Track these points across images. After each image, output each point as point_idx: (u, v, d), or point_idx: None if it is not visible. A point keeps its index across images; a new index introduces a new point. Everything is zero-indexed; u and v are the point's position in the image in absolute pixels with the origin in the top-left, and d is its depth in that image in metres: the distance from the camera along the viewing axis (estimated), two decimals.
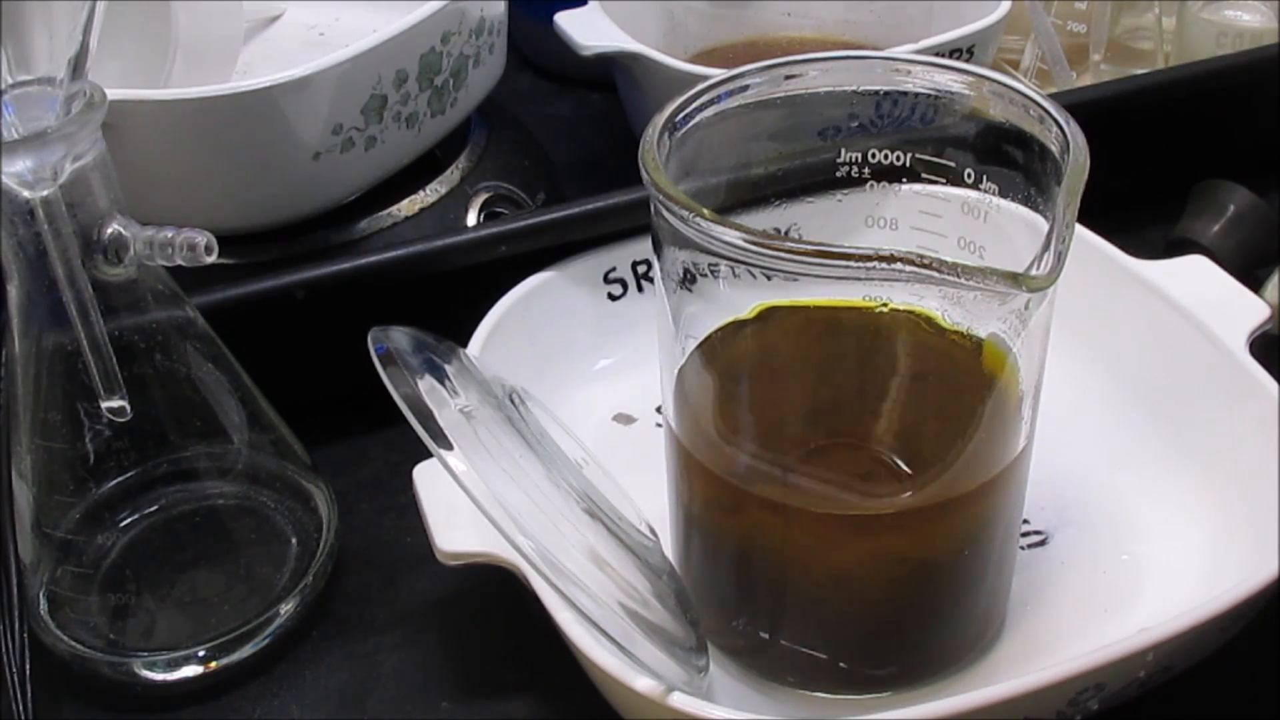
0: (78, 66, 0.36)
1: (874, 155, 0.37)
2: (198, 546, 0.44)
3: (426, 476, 0.40)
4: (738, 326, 0.36)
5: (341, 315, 0.49)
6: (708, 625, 0.40)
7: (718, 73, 0.37)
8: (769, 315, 0.36)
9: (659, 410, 0.49)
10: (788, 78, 0.37)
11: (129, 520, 0.44)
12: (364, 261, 0.48)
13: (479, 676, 0.41)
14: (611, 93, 0.66)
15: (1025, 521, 0.42)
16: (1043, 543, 0.43)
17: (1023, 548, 0.42)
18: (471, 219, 0.56)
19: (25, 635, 0.42)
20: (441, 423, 0.33)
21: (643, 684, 0.34)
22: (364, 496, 0.48)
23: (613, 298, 0.51)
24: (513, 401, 0.39)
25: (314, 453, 0.46)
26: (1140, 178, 0.56)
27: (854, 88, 0.37)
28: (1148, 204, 0.56)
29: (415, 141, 0.54)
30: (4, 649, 0.41)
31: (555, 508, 0.35)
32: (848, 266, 0.29)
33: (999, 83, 0.35)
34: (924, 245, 0.36)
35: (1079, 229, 0.47)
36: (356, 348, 0.51)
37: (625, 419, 0.49)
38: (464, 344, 0.45)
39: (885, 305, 0.33)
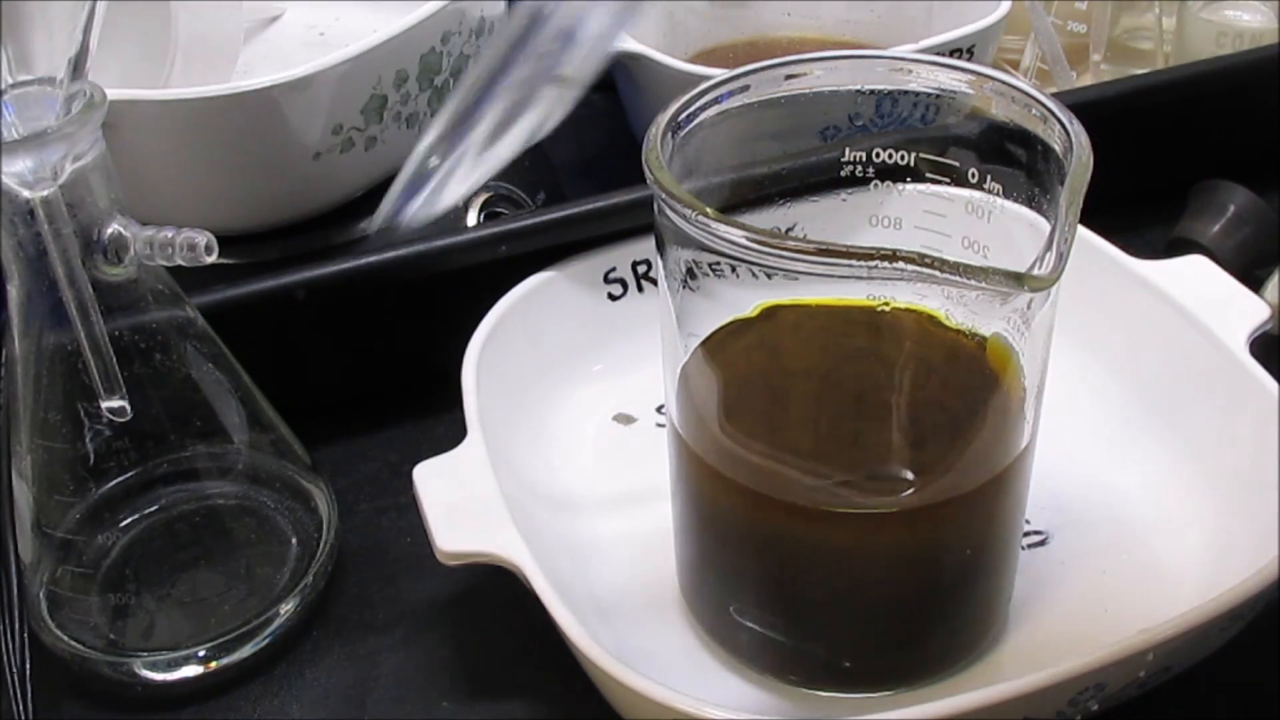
0: (78, 66, 0.36)
1: (878, 155, 0.37)
2: (198, 546, 0.44)
3: (426, 476, 0.40)
4: (741, 326, 0.36)
5: (341, 315, 0.49)
6: (709, 623, 0.40)
7: (718, 73, 0.37)
8: (772, 314, 0.36)
9: (659, 410, 0.49)
10: (789, 77, 0.37)
11: (129, 520, 0.44)
12: (364, 261, 0.48)
13: (479, 676, 0.41)
14: (611, 93, 0.66)
15: (1026, 521, 0.42)
16: (1043, 543, 0.43)
17: (1023, 548, 0.42)
18: (471, 219, 0.56)
19: (25, 635, 0.42)
20: None
21: (643, 684, 0.34)
22: (364, 496, 0.48)
23: (613, 298, 0.51)
24: None
25: (314, 453, 0.46)
26: (1140, 178, 0.56)
27: (856, 87, 0.37)
28: (1148, 204, 0.56)
29: (415, 142, 0.54)
30: (4, 649, 0.41)
31: None
32: (851, 265, 0.29)
33: (1001, 82, 0.35)
34: (928, 245, 0.36)
35: (1080, 229, 0.47)
36: (356, 348, 0.51)
37: (625, 419, 0.49)
38: (464, 344, 0.45)
39: (888, 304, 0.33)
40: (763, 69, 0.36)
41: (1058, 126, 0.33)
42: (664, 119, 0.34)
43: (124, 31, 0.52)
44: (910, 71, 0.36)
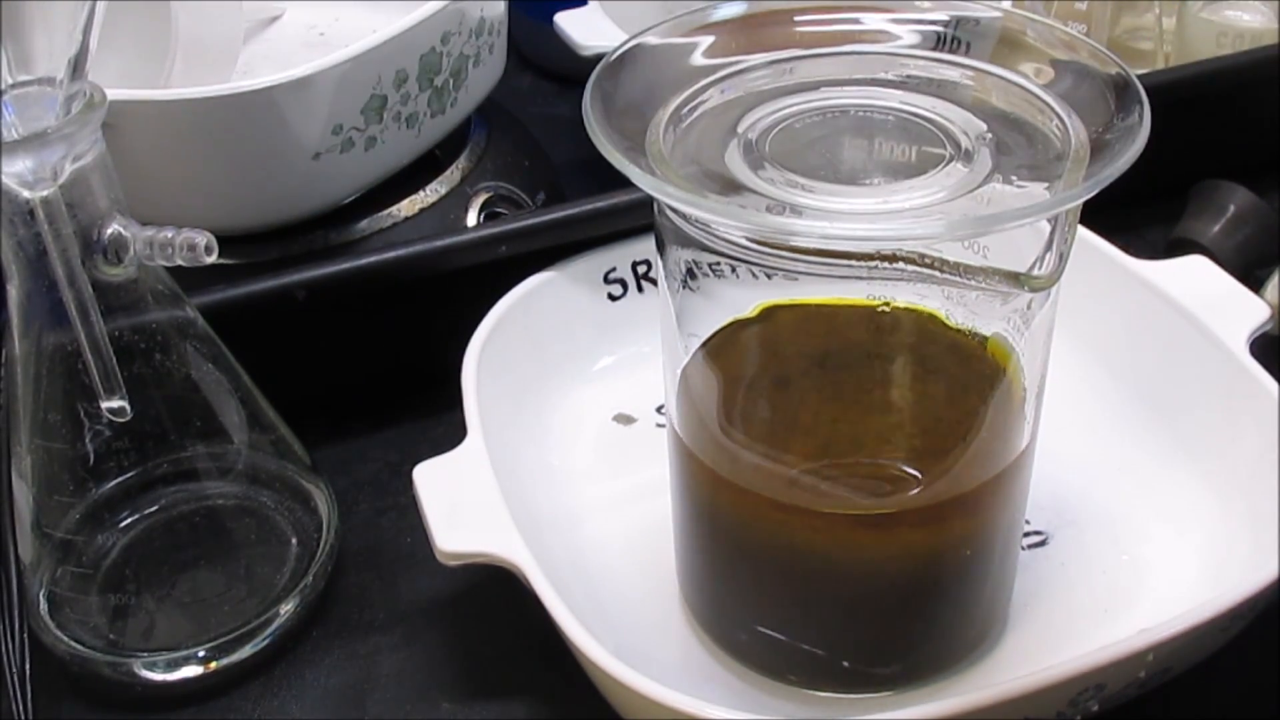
0: (78, 66, 0.36)
1: None
2: (198, 546, 0.44)
3: (426, 476, 0.40)
4: (741, 326, 0.36)
5: (341, 315, 0.49)
6: (709, 623, 0.40)
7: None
8: (772, 315, 0.36)
9: (659, 410, 0.49)
10: (790, 71, 0.37)
11: (129, 520, 0.44)
12: (364, 261, 0.48)
13: (479, 676, 0.41)
14: None
15: (1025, 521, 0.42)
16: (1043, 543, 0.43)
17: (1023, 548, 0.42)
18: (471, 219, 0.56)
19: (25, 635, 0.42)
20: None
21: (643, 684, 0.34)
22: (364, 496, 0.48)
23: (613, 298, 0.51)
24: None
25: (314, 453, 0.46)
26: (1140, 178, 0.56)
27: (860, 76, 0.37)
28: (1148, 204, 0.56)
29: (415, 141, 0.54)
30: (4, 649, 0.41)
31: None
32: (850, 265, 0.29)
33: (1001, 78, 0.35)
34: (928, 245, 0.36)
35: (1080, 229, 0.47)
36: (356, 348, 0.51)
37: (625, 419, 0.49)
38: (464, 344, 0.45)
39: (888, 305, 0.33)
40: (765, 63, 0.36)
41: (1056, 122, 0.33)
42: (664, 114, 0.34)
43: (124, 31, 0.52)
44: (913, 65, 0.36)
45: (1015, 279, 0.29)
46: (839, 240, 0.28)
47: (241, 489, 0.45)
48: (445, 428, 0.48)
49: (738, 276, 0.32)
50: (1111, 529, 0.43)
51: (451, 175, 0.57)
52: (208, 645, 0.41)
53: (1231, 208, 0.54)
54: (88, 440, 0.41)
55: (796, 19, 0.36)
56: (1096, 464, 0.45)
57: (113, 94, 0.37)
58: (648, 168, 0.30)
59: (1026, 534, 0.43)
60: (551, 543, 0.41)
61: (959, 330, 0.34)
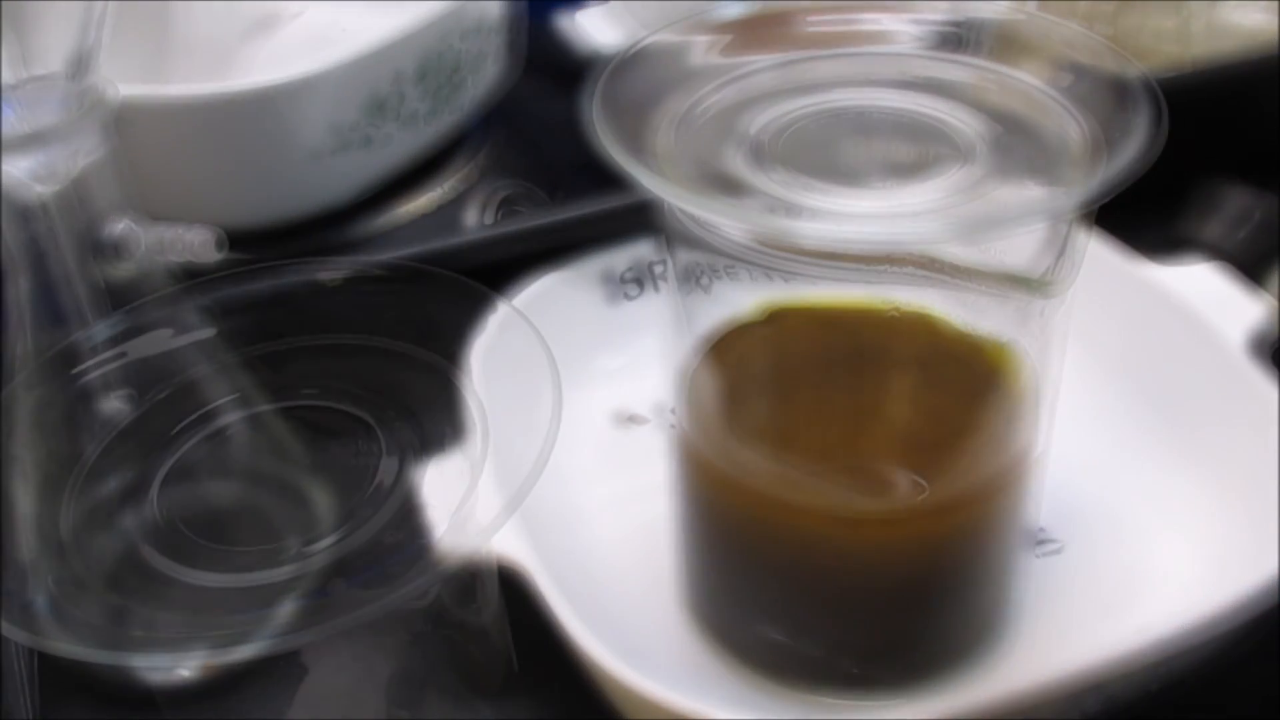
0: (86, 64, 0.36)
1: None
2: (198, 546, 0.44)
3: (427, 476, 0.40)
4: (747, 327, 0.36)
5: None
6: (710, 624, 0.40)
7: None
8: (778, 316, 0.36)
9: (662, 411, 0.49)
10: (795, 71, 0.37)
11: (129, 520, 0.44)
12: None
13: (479, 677, 0.41)
14: None
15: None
16: (1044, 544, 0.43)
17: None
18: (472, 219, 0.56)
19: None
20: None
21: (644, 684, 0.34)
22: (364, 497, 0.48)
23: (614, 299, 0.51)
24: None
25: (313, 453, 0.46)
26: (1140, 178, 0.56)
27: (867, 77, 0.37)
28: (1148, 204, 0.56)
29: (415, 141, 0.54)
30: (11, 649, 0.41)
31: None
32: (857, 267, 0.29)
33: (1007, 78, 0.35)
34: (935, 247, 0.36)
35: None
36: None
37: (628, 419, 0.49)
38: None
39: (895, 307, 0.33)
40: (771, 64, 0.36)
41: (1062, 122, 0.33)
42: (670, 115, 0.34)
43: (124, 31, 0.52)
44: (919, 65, 0.36)
45: (1024, 283, 0.29)
46: (844, 242, 0.28)
47: (241, 489, 0.45)
48: (445, 428, 0.48)
49: (742, 278, 0.32)
50: (1111, 529, 0.43)
51: (452, 175, 0.57)
52: (208, 645, 0.41)
53: (1232, 208, 0.55)
54: (88, 441, 0.41)
55: (802, 20, 0.36)
56: (1096, 464, 0.45)
57: None
58: (652, 169, 0.30)
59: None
60: (553, 543, 0.41)
61: (966, 334, 0.34)
